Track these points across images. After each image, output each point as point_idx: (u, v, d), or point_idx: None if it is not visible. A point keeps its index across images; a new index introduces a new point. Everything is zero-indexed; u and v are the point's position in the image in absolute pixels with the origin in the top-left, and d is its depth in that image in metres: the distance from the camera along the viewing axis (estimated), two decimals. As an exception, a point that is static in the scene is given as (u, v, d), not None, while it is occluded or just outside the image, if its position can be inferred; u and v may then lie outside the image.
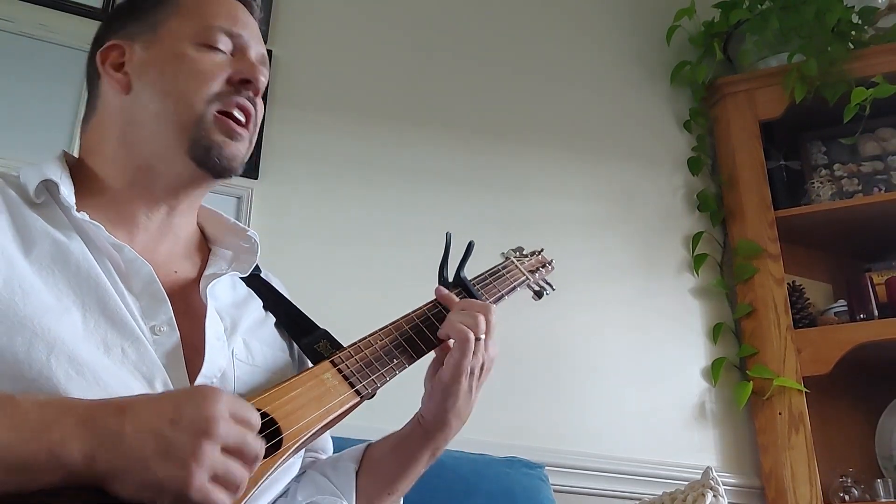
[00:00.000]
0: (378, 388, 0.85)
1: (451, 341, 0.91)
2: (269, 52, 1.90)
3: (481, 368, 0.91)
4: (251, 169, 1.78)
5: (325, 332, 0.93)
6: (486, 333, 0.91)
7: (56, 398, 0.65)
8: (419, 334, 0.93)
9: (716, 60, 2.38)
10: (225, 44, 0.93)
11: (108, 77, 0.92)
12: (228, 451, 0.62)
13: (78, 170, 0.91)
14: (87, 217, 0.82)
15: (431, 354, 0.94)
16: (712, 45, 2.39)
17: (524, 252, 1.22)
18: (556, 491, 1.63)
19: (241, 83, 0.91)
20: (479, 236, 1.98)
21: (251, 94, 0.92)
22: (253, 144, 0.95)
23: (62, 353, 0.71)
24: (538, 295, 1.19)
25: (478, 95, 2.15)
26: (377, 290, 1.80)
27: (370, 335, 0.90)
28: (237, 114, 0.90)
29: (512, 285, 1.12)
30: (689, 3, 2.39)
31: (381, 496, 0.96)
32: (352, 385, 0.82)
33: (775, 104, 2.27)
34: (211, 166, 0.89)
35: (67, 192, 0.84)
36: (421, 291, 1.86)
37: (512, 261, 1.17)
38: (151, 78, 0.90)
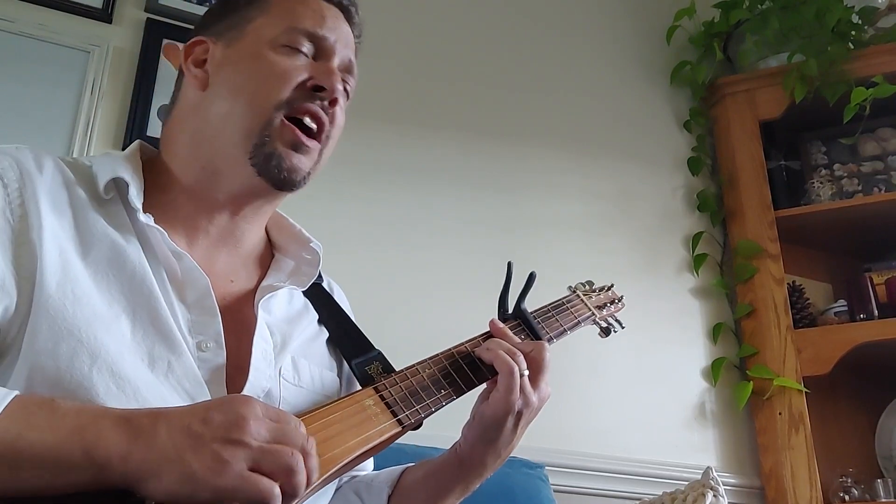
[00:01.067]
0: (422, 418, 0.81)
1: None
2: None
3: (528, 407, 0.85)
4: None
5: (379, 353, 0.89)
6: (537, 370, 0.86)
7: (92, 405, 0.66)
8: (470, 365, 0.88)
9: (716, 60, 2.38)
10: (308, 47, 0.89)
11: (188, 72, 0.91)
12: (269, 442, 0.61)
13: (152, 164, 0.89)
14: (151, 221, 0.80)
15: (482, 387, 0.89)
16: (712, 45, 2.39)
17: (593, 287, 1.17)
18: (556, 491, 1.63)
19: (315, 89, 0.87)
20: (479, 236, 1.99)
21: (326, 102, 0.87)
22: (324, 158, 0.91)
23: (105, 365, 0.70)
24: (605, 332, 1.13)
25: (477, 95, 2.15)
26: (377, 290, 1.80)
27: (418, 363, 0.86)
28: (307, 121, 0.86)
29: (576, 320, 1.06)
30: (689, 3, 2.39)
31: None
32: (394, 413, 0.79)
33: (775, 104, 2.27)
34: (270, 176, 0.85)
35: (136, 192, 0.82)
36: (422, 290, 1.87)
37: (578, 295, 1.12)
38: (227, 76, 0.88)
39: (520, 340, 0.92)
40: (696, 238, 2.25)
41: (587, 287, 1.16)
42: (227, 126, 0.86)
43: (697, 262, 2.23)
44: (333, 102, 0.88)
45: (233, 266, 0.90)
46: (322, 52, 0.90)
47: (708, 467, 1.36)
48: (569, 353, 1.98)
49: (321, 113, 0.87)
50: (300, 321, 0.92)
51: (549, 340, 0.99)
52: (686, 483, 1.39)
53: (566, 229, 2.12)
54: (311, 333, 0.93)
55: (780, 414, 2.02)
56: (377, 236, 1.89)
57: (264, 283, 0.90)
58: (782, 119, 2.28)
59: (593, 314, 1.10)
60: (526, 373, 0.85)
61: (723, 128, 2.35)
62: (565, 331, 1.03)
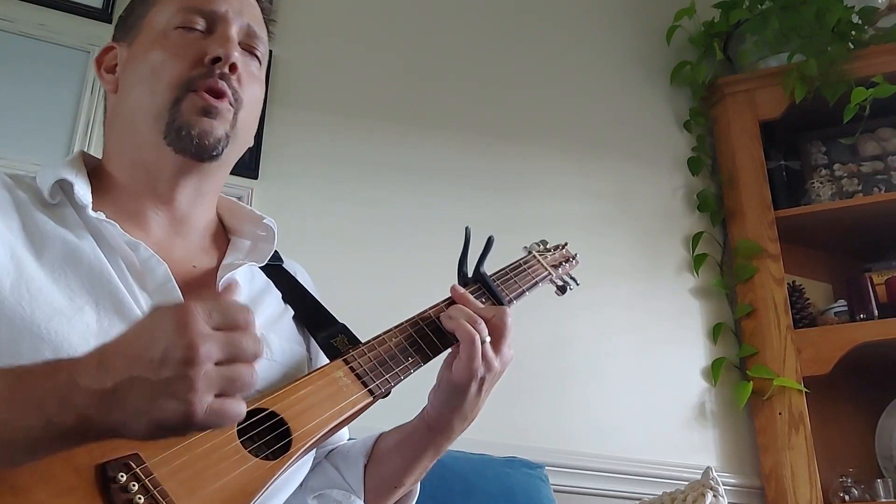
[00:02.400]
0: (392, 386, 0.83)
1: None
2: (269, 51, 1.89)
3: (490, 372, 0.88)
4: (251, 169, 1.78)
5: (344, 326, 0.91)
6: (499, 336, 0.88)
7: (30, 369, 0.60)
8: (435, 332, 0.89)
9: (716, 60, 2.38)
10: (201, 24, 0.89)
11: (102, 80, 0.94)
12: (223, 362, 0.58)
13: (95, 170, 0.91)
14: (102, 216, 0.81)
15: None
16: (712, 45, 2.39)
17: (548, 246, 1.18)
18: (556, 491, 1.63)
19: (212, 62, 0.87)
20: (479, 236, 1.99)
21: (227, 72, 0.87)
22: (243, 125, 0.90)
23: (69, 356, 0.69)
24: (561, 290, 1.15)
25: (478, 95, 2.15)
26: (378, 290, 1.80)
27: (384, 333, 0.87)
28: (206, 96, 0.86)
29: (534, 280, 1.08)
30: (689, 3, 2.39)
31: (388, 489, 0.96)
32: (365, 384, 0.80)
33: (775, 104, 2.27)
34: (185, 148, 0.85)
35: (82, 191, 0.83)
36: (421, 290, 1.87)
37: (534, 255, 1.13)
38: (131, 71, 0.90)
39: (481, 305, 0.93)
40: (696, 238, 2.25)
41: (542, 247, 1.17)
42: (138, 117, 0.87)
43: (697, 262, 2.23)
44: (233, 68, 0.87)
45: (191, 251, 0.91)
46: (215, 24, 0.90)
47: (708, 467, 1.36)
48: (569, 353, 1.98)
49: (220, 85, 0.86)
50: (263, 299, 0.94)
51: (510, 303, 1.01)
52: (686, 483, 1.39)
53: (566, 229, 2.11)
54: (277, 310, 0.95)
55: (780, 414, 2.02)
56: (377, 236, 1.89)
57: (224, 262, 0.91)
58: (782, 119, 2.28)
59: (549, 273, 1.12)
60: (487, 339, 0.87)
61: (723, 128, 2.35)
62: (524, 291, 1.05)
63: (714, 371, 2.11)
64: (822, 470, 1.97)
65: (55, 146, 1.64)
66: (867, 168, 2.28)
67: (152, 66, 0.87)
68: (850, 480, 2.03)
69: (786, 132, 2.37)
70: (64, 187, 0.84)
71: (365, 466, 0.96)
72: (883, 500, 2.01)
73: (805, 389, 2.01)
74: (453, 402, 0.89)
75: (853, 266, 2.35)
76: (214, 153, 0.86)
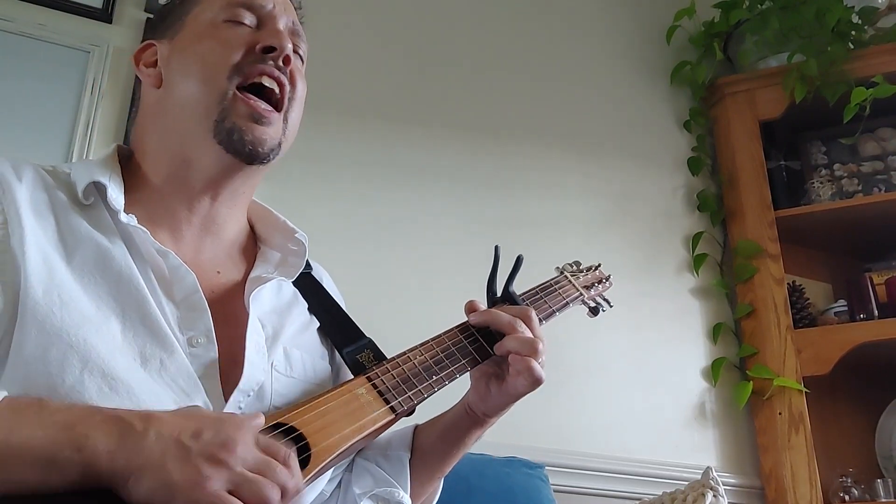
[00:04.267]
0: (415, 405, 0.82)
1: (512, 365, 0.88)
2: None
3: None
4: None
5: (370, 341, 0.90)
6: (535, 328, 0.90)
7: (83, 404, 0.66)
8: (461, 350, 0.89)
9: (716, 60, 2.38)
10: (250, 18, 0.90)
11: (142, 75, 0.93)
12: (253, 469, 0.61)
13: (129, 165, 0.90)
14: (133, 221, 0.81)
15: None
16: (712, 45, 2.39)
17: (580, 267, 1.17)
18: (556, 491, 1.62)
19: (265, 51, 0.87)
20: (479, 236, 1.99)
21: (281, 62, 0.87)
22: (292, 125, 0.90)
23: (96, 367, 0.70)
24: (594, 312, 1.14)
25: (477, 95, 2.15)
26: (377, 290, 1.79)
27: (409, 350, 0.87)
28: (266, 81, 0.86)
29: (564, 301, 1.07)
30: (689, 3, 2.39)
31: (431, 480, 0.98)
32: (387, 401, 0.79)
33: (775, 104, 2.27)
34: (237, 150, 0.85)
35: (115, 194, 0.82)
36: (422, 289, 1.87)
37: (566, 276, 1.12)
38: (177, 65, 0.89)
39: (529, 334, 0.92)
40: (696, 238, 2.25)
41: (574, 267, 1.16)
42: (186, 110, 0.87)
43: (697, 262, 2.23)
44: (287, 61, 0.88)
45: (218, 256, 0.90)
46: (264, 19, 0.90)
47: (708, 467, 1.36)
48: (569, 353, 1.98)
49: (276, 72, 0.87)
50: (290, 311, 0.92)
51: (539, 322, 0.99)
52: (686, 483, 1.39)
53: (566, 229, 2.12)
54: (302, 323, 0.94)
55: (780, 414, 2.02)
56: (377, 235, 1.89)
57: (252, 274, 0.90)
58: (782, 119, 2.28)
59: (581, 294, 1.11)
60: (544, 358, 0.89)
61: (723, 128, 2.35)
62: (554, 312, 1.04)
63: (714, 371, 2.11)
64: (822, 470, 1.97)
65: (55, 146, 1.64)
66: (867, 168, 2.28)
67: (203, 56, 0.87)
68: (850, 480, 2.03)
69: (786, 132, 2.37)
70: (98, 188, 0.83)
71: (409, 461, 0.96)
72: (883, 500, 2.01)
73: (805, 389, 2.01)
74: (505, 407, 0.92)
75: (853, 266, 2.35)
76: (266, 160, 0.87)
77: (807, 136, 2.39)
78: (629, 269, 2.15)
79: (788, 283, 2.16)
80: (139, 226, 0.81)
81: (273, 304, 0.91)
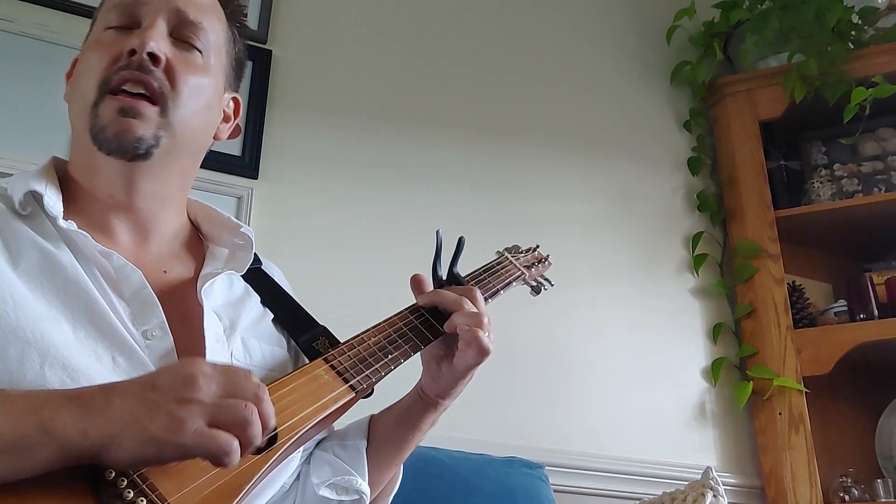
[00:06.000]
0: (373, 383, 0.84)
1: (462, 341, 0.89)
2: (269, 51, 1.90)
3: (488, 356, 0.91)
4: (251, 169, 1.78)
5: (324, 328, 0.92)
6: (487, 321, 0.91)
7: (43, 390, 0.65)
8: (413, 330, 0.92)
9: (716, 60, 2.38)
10: (129, 20, 0.87)
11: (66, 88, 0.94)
12: (222, 397, 0.62)
13: (66, 176, 0.91)
14: (73, 226, 0.81)
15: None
16: (712, 45, 2.39)
17: (520, 249, 1.21)
18: (556, 491, 1.63)
19: (130, 55, 0.84)
20: (479, 236, 1.98)
21: (148, 63, 0.83)
22: (178, 120, 0.86)
23: (56, 360, 0.70)
24: (535, 290, 1.18)
25: (478, 95, 2.15)
26: (377, 290, 1.79)
27: (363, 332, 0.89)
28: (128, 87, 0.83)
29: (507, 280, 1.10)
30: (689, 3, 2.39)
31: (389, 467, 0.99)
32: (346, 380, 0.81)
33: (775, 104, 2.27)
34: (109, 149, 0.83)
35: (53, 201, 0.82)
36: (421, 291, 1.87)
37: (507, 256, 1.16)
38: (74, 78, 0.91)
39: (477, 308, 0.94)
40: (696, 238, 2.25)
41: (514, 250, 1.20)
42: (75, 123, 0.88)
43: (697, 262, 2.23)
44: (155, 59, 0.84)
45: (162, 257, 0.91)
46: (138, 18, 0.87)
47: (708, 467, 1.36)
48: (569, 353, 1.98)
49: (137, 74, 0.83)
50: (244, 304, 0.94)
51: (485, 301, 1.01)
52: (686, 483, 1.39)
53: (566, 229, 2.12)
54: (257, 314, 0.95)
55: (780, 414, 2.02)
56: (377, 235, 1.89)
57: (203, 271, 0.91)
58: (782, 119, 2.28)
59: (523, 273, 1.14)
60: (490, 333, 0.90)
61: (723, 128, 2.36)
62: (498, 290, 1.07)
63: (714, 371, 2.11)
64: (822, 470, 1.97)
65: (55, 146, 1.63)
66: (867, 168, 2.28)
67: (80, 72, 0.88)
68: (850, 480, 2.03)
69: (786, 132, 2.37)
70: (35, 197, 0.83)
71: (366, 449, 0.97)
72: (883, 500, 2.01)
73: (805, 389, 2.02)
74: (455, 386, 0.93)
75: (853, 266, 2.35)
76: (139, 152, 0.84)
77: (807, 136, 2.39)
78: (629, 269, 2.15)
79: (788, 283, 2.16)
80: (79, 230, 0.80)
81: (226, 298, 0.92)
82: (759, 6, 2.33)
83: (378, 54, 2.07)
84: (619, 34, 2.43)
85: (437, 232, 1.02)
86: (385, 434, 0.98)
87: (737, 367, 2.16)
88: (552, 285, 1.21)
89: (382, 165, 1.96)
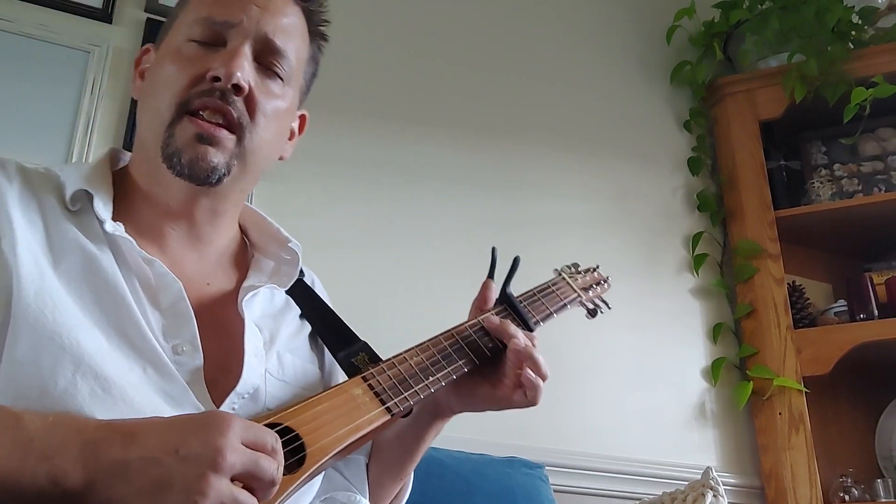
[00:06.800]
0: (411, 405, 0.81)
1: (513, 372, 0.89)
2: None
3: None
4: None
5: (365, 344, 0.88)
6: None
7: (66, 418, 0.63)
8: (458, 352, 0.88)
9: (716, 60, 2.38)
10: (215, 37, 0.85)
11: (133, 83, 0.92)
12: (241, 479, 0.60)
13: (123, 172, 0.89)
14: (120, 230, 0.80)
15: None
16: (712, 45, 2.39)
17: (578, 269, 1.16)
18: (556, 491, 1.63)
19: (212, 80, 0.82)
20: (480, 236, 1.99)
21: (230, 94, 0.82)
22: (251, 152, 0.85)
23: (89, 370, 0.69)
24: (592, 314, 1.13)
25: (478, 95, 2.15)
26: (377, 290, 1.80)
27: (405, 351, 0.86)
28: (206, 115, 0.82)
29: (562, 303, 1.06)
30: (689, 3, 2.39)
31: (393, 483, 0.96)
32: (383, 402, 0.79)
33: (775, 104, 2.27)
34: (180, 173, 0.82)
35: (102, 203, 0.81)
36: (422, 288, 1.87)
37: (563, 277, 1.11)
38: (147, 82, 0.88)
39: (534, 351, 0.91)
40: (696, 238, 2.25)
41: (573, 269, 1.15)
42: (146, 133, 0.86)
43: (697, 262, 2.23)
44: (238, 90, 0.82)
45: (206, 268, 0.89)
46: (224, 37, 0.84)
47: (708, 467, 1.36)
48: (569, 353, 1.98)
49: (219, 104, 0.81)
50: (284, 316, 0.92)
51: (536, 324, 1.00)
52: (686, 483, 1.39)
53: (566, 229, 2.12)
54: (295, 328, 0.93)
55: (780, 414, 2.02)
56: (376, 235, 1.89)
57: (245, 283, 0.89)
58: (782, 119, 2.28)
59: (579, 296, 1.10)
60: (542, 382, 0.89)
61: (723, 128, 2.35)
62: (552, 314, 1.03)
63: (714, 371, 2.11)
64: (822, 470, 1.97)
65: (55, 146, 1.64)
66: (867, 168, 2.28)
67: (161, 80, 0.85)
68: (850, 480, 2.03)
69: (786, 132, 2.37)
70: (86, 194, 0.82)
71: (367, 465, 0.96)
72: (883, 500, 2.01)
73: (805, 389, 2.01)
74: (480, 408, 0.92)
75: (853, 266, 2.35)
76: (210, 180, 0.83)
77: (807, 136, 2.39)
78: (629, 269, 2.15)
79: (788, 283, 2.16)
80: (125, 235, 0.79)
81: (267, 309, 0.90)
82: (759, 6, 2.33)
83: (378, 54, 2.07)
84: (619, 34, 2.43)
85: (493, 249, 0.98)
86: (387, 449, 0.96)
87: (737, 367, 2.16)
88: (609, 308, 1.16)
89: (382, 165, 1.96)
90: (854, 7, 2.25)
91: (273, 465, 0.62)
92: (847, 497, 2.01)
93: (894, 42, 2.23)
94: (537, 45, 2.30)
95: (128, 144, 1.70)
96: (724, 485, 1.35)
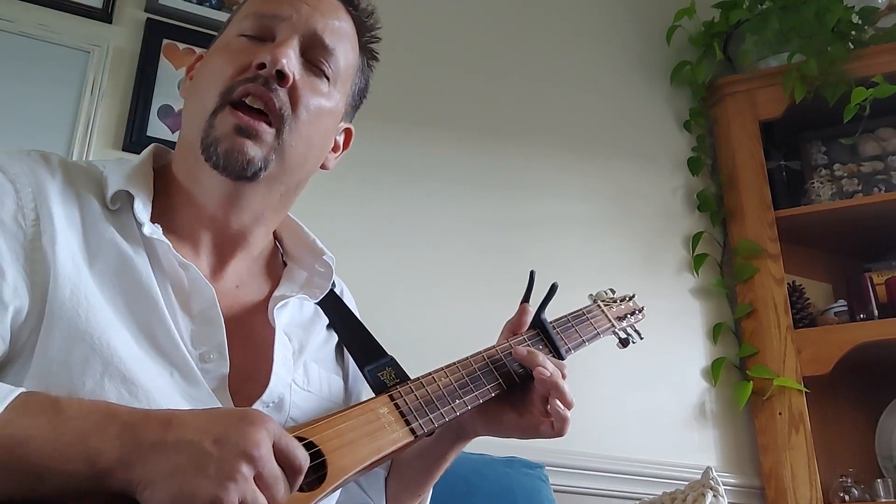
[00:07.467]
0: (436, 428, 0.80)
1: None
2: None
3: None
4: (251, 169, 1.78)
5: (392, 359, 0.87)
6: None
7: (101, 404, 0.64)
8: (487, 376, 0.88)
9: (716, 60, 2.38)
10: (262, 32, 0.85)
11: (183, 82, 0.93)
12: (261, 480, 0.60)
13: (164, 170, 0.89)
14: (158, 232, 0.79)
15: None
16: (712, 45, 2.39)
17: (614, 296, 1.15)
18: (556, 491, 1.63)
19: (258, 68, 0.81)
20: (480, 236, 1.99)
21: (273, 82, 0.80)
22: (290, 146, 0.83)
23: (117, 372, 0.70)
24: (623, 343, 1.11)
25: (478, 96, 2.15)
26: (377, 290, 1.79)
27: (434, 371, 0.85)
28: (248, 100, 0.80)
29: (595, 332, 1.05)
30: (689, 3, 2.39)
31: (411, 499, 0.96)
32: (408, 422, 0.78)
33: (775, 104, 2.27)
34: (216, 165, 0.80)
35: (142, 205, 0.80)
36: (422, 289, 1.87)
37: (598, 304, 1.10)
38: (195, 80, 0.88)
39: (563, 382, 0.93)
40: (696, 238, 2.25)
41: (608, 296, 1.14)
42: (189, 128, 0.85)
43: (697, 262, 2.23)
44: (283, 78, 0.81)
45: (240, 272, 0.89)
46: (274, 31, 0.84)
47: (708, 467, 1.36)
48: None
49: (260, 89, 0.80)
50: (313, 326, 0.91)
51: (568, 352, 1.00)
52: (686, 483, 1.39)
53: (566, 229, 2.12)
54: (323, 338, 0.93)
55: (780, 414, 2.02)
56: (376, 236, 1.89)
57: (277, 292, 0.88)
58: (782, 119, 2.28)
59: (613, 325, 1.09)
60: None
61: (723, 128, 2.36)
62: (584, 342, 1.03)
63: (714, 371, 2.11)
64: (822, 470, 1.97)
65: (55, 146, 1.64)
66: (867, 168, 2.28)
67: (208, 73, 0.84)
68: (850, 480, 2.03)
69: (786, 132, 2.37)
70: (127, 195, 0.82)
71: (386, 479, 0.95)
72: (883, 500, 2.01)
73: (805, 389, 2.01)
74: (505, 435, 0.93)
75: (853, 266, 2.35)
76: (247, 174, 0.81)
77: (807, 136, 2.39)
78: (629, 269, 2.15)
79: (788, 283, 2.16)
80: (162, 238, 0.79)
81: (297, 320, 0.90)
82: (759, 6, 2.33)
83: (380, 55, 2.07)
84: (619, 34, 2.43)
85: (532, 273, 0.98)
86: (406, 465, 0.95)
87: (737, 367, 2.16)
88: (642, 338, 1.15)
89: (383, 165, 1.96)
90: (854, 7, 2.25)
91: (286, 488, 0.62)
92: (847, 497, 2.01)
93: (894, 42, 2.23)
94: (538, 45, 2.30)
95: (128, 145, 1.70)
96: (724, 485, 1.35)
